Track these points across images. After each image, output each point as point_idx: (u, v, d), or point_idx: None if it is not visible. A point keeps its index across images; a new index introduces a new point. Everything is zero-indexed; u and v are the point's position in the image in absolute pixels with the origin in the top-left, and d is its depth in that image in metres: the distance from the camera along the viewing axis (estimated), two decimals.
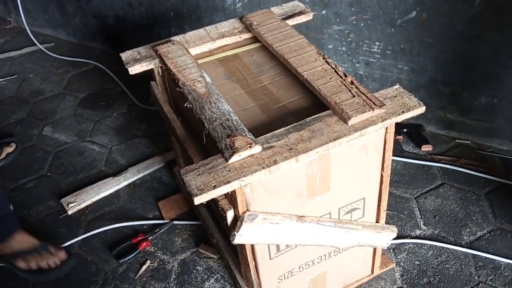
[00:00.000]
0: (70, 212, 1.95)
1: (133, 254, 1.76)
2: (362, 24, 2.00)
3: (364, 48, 2.06)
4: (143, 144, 2.25)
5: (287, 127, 1.13)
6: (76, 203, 1.96)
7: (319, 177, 1.17)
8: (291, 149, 1.07)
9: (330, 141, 1.09)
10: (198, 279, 1.68)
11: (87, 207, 1.98)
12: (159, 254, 1.78)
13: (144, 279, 1.70)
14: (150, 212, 1.93)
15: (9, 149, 2.24)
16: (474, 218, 1.79)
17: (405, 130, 2.13)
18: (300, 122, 1.14)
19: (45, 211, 1.97)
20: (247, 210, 1.12)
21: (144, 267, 1.73)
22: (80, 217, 1.94)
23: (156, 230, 1.84)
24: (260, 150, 1.07)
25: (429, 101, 2.07)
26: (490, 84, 1.90)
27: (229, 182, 1.01)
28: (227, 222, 1.16)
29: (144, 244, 1.78)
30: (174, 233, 1.84)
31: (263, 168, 1.03)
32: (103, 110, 2.48)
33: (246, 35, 1.51)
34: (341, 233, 1.30)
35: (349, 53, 2.11)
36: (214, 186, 1.01)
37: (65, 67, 2.83)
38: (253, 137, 1.09)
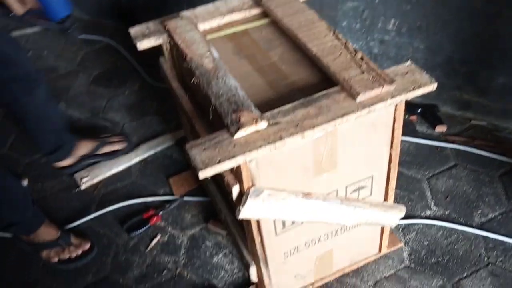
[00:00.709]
0: (83, 187, 1.97)
1: (144, 229, 1.79)
2: (377, 1, 1.96)
3: (379, 25, 2.02)
4: (154, 122, 2.26)
5: (294, 103, 1.12)
6: (89, 178, 1.99)
7: (326, 154, 1.17)
8: (297, 125, 1.06)
9: (337, 118, 1.07)
10: (207, 254, 1.70)
11: (99, 182, 2.00)
12: (169, 229, 1.80)
13: (154, 252, 1.73)
14: (161, 188, 1.95)
15: (115, 147, 2.08)
16: (487, 199, 1.77)
17: (419, 110, 2.10)
18: (307, 99, 1.13)
19: (58, 186, 2.00)
20: (253, 185, 1.12)
21: (154, 241, 1.75)
22: (93, 192, 1.96)
23: (167, 206, 1.85)
24: (266, 126, 1.06)
25: (444, 81, 2.03)
26: (509, 63, 1.86)
27: (234, 157, 1.01)
28: (232, 198, 1.16)
29: (155, 219, 1.80)
30: (184, 209, 1.86)
31: (269, 144, 1.03)
32: (115, 88, 2.49)
33: (256, 10, 1.49)
34: (348, 211, 1.29)
35: (363, 30, 2.08)
36: (219, 161, 1.01)
37: (79, 45, 2.84)
38: (259, 113, 1.08)
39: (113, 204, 1.89)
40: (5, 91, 1.68)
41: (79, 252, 1.72)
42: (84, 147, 2.00)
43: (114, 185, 1.99)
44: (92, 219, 1.86)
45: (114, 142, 2.06)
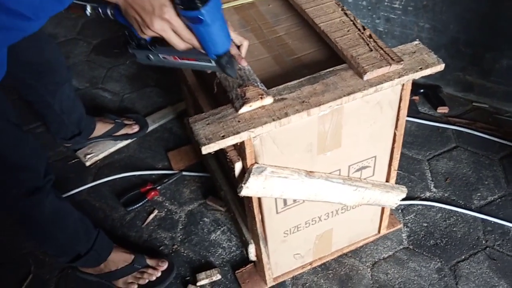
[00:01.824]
0: (88, 163, 1.93)
1: (141, 203, 1.77)
2: None
3: (385, 3, 1.99)
4: (155, 94, 2.23)
5: (300, 80, 1.10)
6: (94, 154, 1.95)
7: (330, 132, 1.15)
8: (303, 102, 1.04)
9: (344, 96, 1.06)
10: (205, 230, 1.69)
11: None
12: (166, 204, 1.78)
13: (151, 227, 1.72)
14: (160, 162, 1.93)
15: (129, 130, 2.01)
16: (486, 182, 1.77)
17: (422, 90, 2.08)
18: (314, 75, 1.11)
19: (55, 157, 1.98)
20: (256, 162, 1.11)
21: (151, 216, 1.74)
22: (90, 164, 1.94)
23: (165, 180, 1.83)
24: (272, 102, 1.04)
25: (449, 62, 2.00)
26: None
27: (238, 132, 0.99)
28: (234, 174, 1.15)
29: (152, 193, 1.79)
30: (182, 184, 1.84)
31: (274, 120, 1.01)
32: (116, 57, 2.45)
33: None
34: (350, 191, 1.28)
35: (369, 8, 2.04)
36: (223, 136, 0.99)
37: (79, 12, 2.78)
38: (265, 88, 1.06)
39: (110, 177, 1.87)
40: (33, 93, 1.66)
41: (158, 273, 1.55)
42: (99, 130, 1.95)
43: (112, 158, 1.96)
44: (88, 192, 1.84)
45: (128, 125, 2.01)
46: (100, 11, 0.94)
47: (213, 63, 0.98)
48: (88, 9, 0.96)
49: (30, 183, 1.24)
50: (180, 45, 0.92)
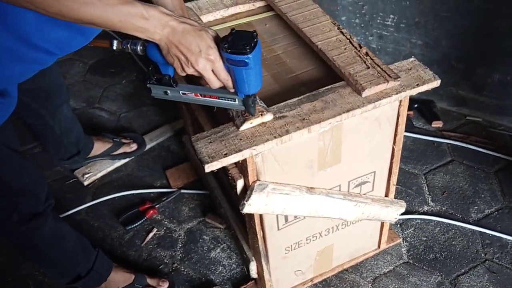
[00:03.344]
0: (86, 183, 1.93)
1: (140, 222, 1.77)
2: None
3: (378, 20, 2.02)
4: (151, 112, 2.23)
5: (300, 97, 1.11)
6: (92, 173, 1.95)
7: (330, 148, 1.16)
8: (303, 119, 1.06)
9: (343, 113, 1.07)
10: (205, 248, 1.69)
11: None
12: (166, 222, 1.78)
13: (151, 246, 1.71)
14: (158, 181, 1.93)
15: (127, 149, 2.01)
16: (483, 195, 1.79)
17: (416, 105, 2.11)
18: (313, 93, 1.13)
19: (52, 176, 1.97)
20: (257, 179, 1.12)
21: (150, 235, 1.74)
22: (88, 183, 1.94)
23: (164, 199, 1.84)
24: (272, 118, 1.06)
25: (441, 77, 1.98)
26: (505, 60, 1.87)
27: (240, 150, 1.01)
28: (236, 191, 1.16)
29: (151, 212, 1.78)
30: (181, 202, 1.84)
31: (275, 137, 1.03)
32: (112, 77, 2.46)
33: (260, 3, 1.48)
34: (350, 206, 1.29)
35: (362, 25, 2.07)
36: (225, 154, 1.00)
37: None
38: (265, 106, 1.08)
39: (109, 196, 1.87)
40: (34, 115, 1.67)
41: None
42: (97, 149, 1.95)
43: (110, 176, 1.96)
44: (86, 212, 1.84)
45: (125, 144, 2.01)
46: (129, 46, 0.95)
47: (237, 102, 1.01)
48: (115, 44, 0.97)
49: (30, 209, 1.25)
50: (215, 84, 0.95)
